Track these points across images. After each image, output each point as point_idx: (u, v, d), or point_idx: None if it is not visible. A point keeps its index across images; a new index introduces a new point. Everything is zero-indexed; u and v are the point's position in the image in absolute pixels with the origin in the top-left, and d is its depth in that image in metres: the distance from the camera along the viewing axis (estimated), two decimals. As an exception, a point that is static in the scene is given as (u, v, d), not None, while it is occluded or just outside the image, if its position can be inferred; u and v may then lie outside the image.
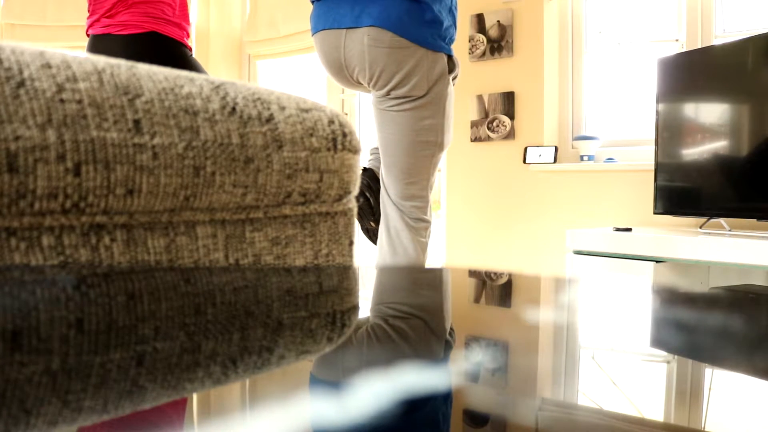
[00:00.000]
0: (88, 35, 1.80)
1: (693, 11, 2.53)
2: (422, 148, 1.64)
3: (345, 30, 1.61)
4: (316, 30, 1.69)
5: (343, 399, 0.21)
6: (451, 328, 0.34)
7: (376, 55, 1.58)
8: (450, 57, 1.66)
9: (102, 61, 0.54)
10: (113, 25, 1.73)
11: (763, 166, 1.98)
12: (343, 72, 1.68)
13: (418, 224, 1.67)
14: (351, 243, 0.71)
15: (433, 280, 0.53)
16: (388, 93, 1.61)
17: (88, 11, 1.81)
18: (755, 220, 2.03)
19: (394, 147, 1.64)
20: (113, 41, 1.70)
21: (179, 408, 0.21)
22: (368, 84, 1.65)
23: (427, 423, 0.20)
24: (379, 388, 0.21)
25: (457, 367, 0.26)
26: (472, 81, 2.93)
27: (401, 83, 1.59)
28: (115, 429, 0.19)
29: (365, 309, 0.39)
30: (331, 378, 0.25)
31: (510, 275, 0.58)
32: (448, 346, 0.30)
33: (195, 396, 0.22)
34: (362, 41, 1.58)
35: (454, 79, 1.71)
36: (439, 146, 1.66)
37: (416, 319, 0.36)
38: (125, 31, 1.72)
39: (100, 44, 1.73)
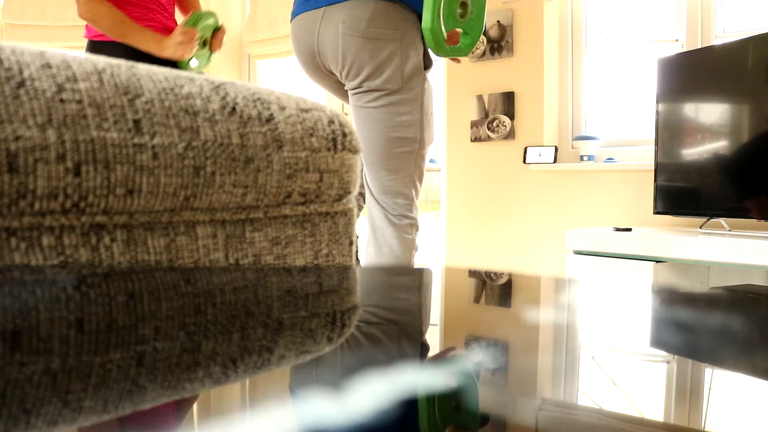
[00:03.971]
0: (88, 38, 1.80)
1: (693, 11, 2.53)
2: (401, 144, 1.62)
3: (323, 10, 1.60)
4: (294, 14, 1.67)
5: (343, 399, 0.21)
6: (451, 329, 0.34)
7: (348, 44, 1.57)
8: (426, 53, 1.66)
9: (102, 61, 0.54)
10: None
11: (763, 165, 1.98)
12: (315, 60, 1.66)
13: (402, 221, 1.66)
14: (351, 243, 0.71)
15: (416, 281, 0.53)
16: (360, 84, 1.60)
17: None
18: (755, 220, 2.03)
19: (372, 144, 1.63)
20: (112, 48, 1.71)
21: (179, 408, 0.21)
22: (340, 74, 1.63)
23: (427, 423, 0.20)
24: (378, 389, 0.21)
25: (457, 367, 0.26)
26: (472, 81, 2.93)
27: (373, 75, 1.58)
28: (115, 429, 0.19)
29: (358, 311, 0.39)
30: (331, 379, 0.25)
31: (510, 275, 0.58)
32: (447, 346, 0.30)
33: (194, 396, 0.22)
34: (336, 29, 1.57)
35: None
36: (419, 142, 1.64)
37: (415, 320, 0.36)
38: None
39: (98, 51, 1.73)
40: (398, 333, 0.32)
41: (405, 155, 1.64)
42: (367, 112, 1.63)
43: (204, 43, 1.86)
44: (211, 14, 1.85)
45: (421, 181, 1.70)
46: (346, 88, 1.67)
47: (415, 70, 1.61)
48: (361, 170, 1.77)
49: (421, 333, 0.33)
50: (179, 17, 1.95)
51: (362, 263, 1.72)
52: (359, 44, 1.56)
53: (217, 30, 1.89)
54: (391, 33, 1.58)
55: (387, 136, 1.62)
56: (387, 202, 1.66)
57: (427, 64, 1.67)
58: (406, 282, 0.51)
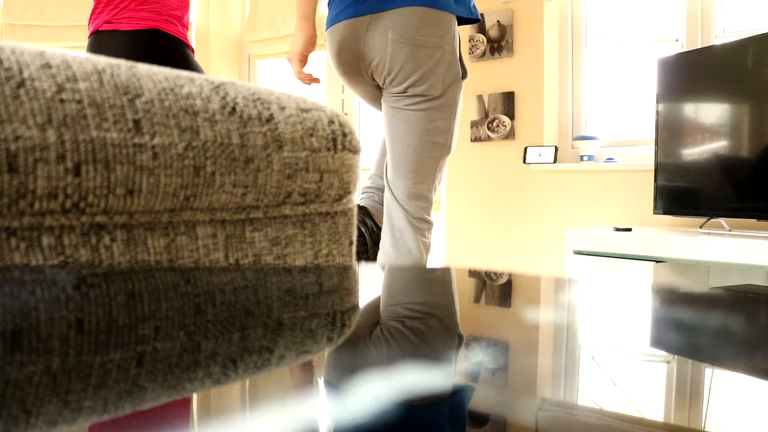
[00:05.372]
0: (91, 32, 1.80)
1: (693, 11, 2.53)
2: (432, 149, 1.65)
3: (368, 17, 1.62)
4: (335, 21, 1.68)
5: (345, 399, 0.21)
6: (451, 328, 0.34)
7: (398, 51, 1.60)
8: (462, 61, 1.70)
9: (102, 61, 0.54)
10: (117, 22, 1.74)
11: (763, 165, 1.98)
12: (358, 66, 1.68)
13: (422, 224, 1.69)
14: (351, 243, 0.71)
15: (436, 279, 0.53)
16: (405, 90, 1.63)
17: (94, 8, 1.81)
18: (755, 220, 2.03)
19: (405, 146, 1.66)
20: (117, 37, 1.71)
21: (179, 408, 0.21)
22: (384, 79, 1.65)
23: (426, 423, 0.20)
24: (379, 388, 0.21)
25: (457, 367, 0.26)
26: (472, 81, 2.92)
27: (419, 81, 1.61)
28: (115, 429, 0.19)
29: (366, 308, 0.39)
30: (332, 378, 0.25)
31: (510, 275, 0.58)
32: (447, 346, 0.30)
33: (195, 396, 0.22)
34: (385, 35, 1.60)
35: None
36: (447, 149, 1.68)
37: (414, 320, 0.36)
38: (128, 27, 1.73)
39: (103, 40, 1.74)
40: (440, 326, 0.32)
41: (434, 160, 1.67)
42: (405, 114, 1.65)
43: None
44: None
45: (439, 185, 1.74)
46: (386, 92, 1.69)
47: (455, 78, 1.66)
48: (381, 175, 1.79)
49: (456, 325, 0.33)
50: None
51: (380, 264, 1.73)
52: (408, 51, 1.60)
53: None
54: (437, 41, 1.61)
55: (422, 139, 1.65)
56: (410, 204, 1.68)
57: (463, 73, 1.70)
58: (439, 278, 0.51)
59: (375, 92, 1.76)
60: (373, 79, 1.70)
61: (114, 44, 1.69)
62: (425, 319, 0.36)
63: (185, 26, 1.89)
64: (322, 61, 3.63)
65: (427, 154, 1.65)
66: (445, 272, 0.58)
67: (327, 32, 1.73)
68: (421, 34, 1.59)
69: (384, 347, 0.29)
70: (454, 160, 3.00)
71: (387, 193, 1.73)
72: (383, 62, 1.62)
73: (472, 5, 1.71)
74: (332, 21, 1.70)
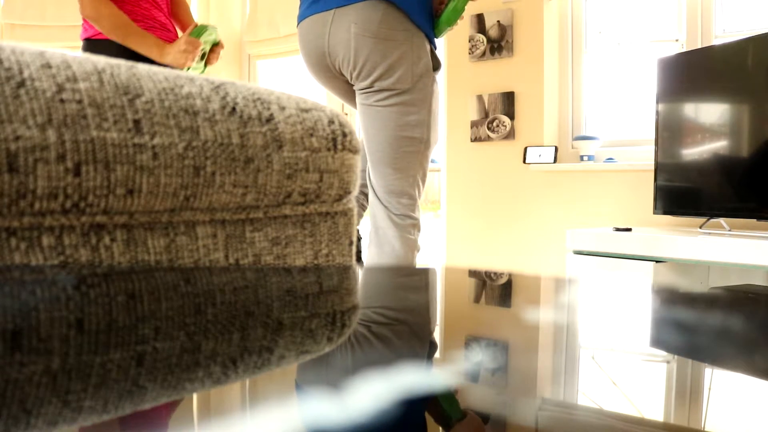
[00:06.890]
0: (83, 38, 1.80)
1: (693, 11, 2.53)
2: (408, 144, 1.62)
3: (333, 11, 1.60)
4: (303, 17, 1.67)
5: (343, 400, 0.21)
6: (451, 329, 0.34)
7: (361, 44, 1.57)
8: (434, 53, 1.66)
9: (102, 61, 0.54)
10: None
11: (763, 166, 1.98)
12: (325, 61, 1.66)
13: (405, 221, 1.65)
14: (351, 243, 0.71)
15: (422, 280, 0.53)
16: (372, 84, 1.60)
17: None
18: (755, 220, 2.03)
19: (379, 142, 1.63)
20: (110, 45, 1.71)
21: (179, 408, 0.21)
22: (351, 74, 1.63)
23: (427, 423, 0.20)
24: (378, 389, 0.21)
25: (458, 367, 0.26)
26: (472, 81, 2.93)
27: (385, 74, 1.58)
28: (115, 429, 0.19)
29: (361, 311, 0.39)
30: (330, 379, 0.25)
31: (510, 275, 0.58)
32: (447, 346, 0.30)
33: (195, 396, 0.22)
34: (348, 29, 1.57)
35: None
36: (425, 143, 1.65)
37: (416, 320, 0.36)
38: None
39: (96, 48, 1.73)
40: (408, 333, 0.32)
41: (411, 155, 1.64)
42: (375, 110, 1.63)
43: (202, 56, 1.86)
44: (214, 28, 1.85)
45: (424, 181, 1.70)
46: (355, 88, 1.67)
47: (425, 70, 1.63)
48: (365, 170, 1.77)
49: (429, 333, 0.33)
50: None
51: (365, 263, 1.72)
52: (372, 44, 1.57)
53: (216, 45, 1.88)
54: (402, 34, 1.59)
55: (395, 135, 1.62)
56: (391, 201, 1.65)
57: (436, 65, 1.67)
58: (413, 282, 0.51)
59: (347, 89, 1.73)
60: (343, 75, 1.68)
61: (107, 53, 1.69)
62: (410, 321, 0.36)
63: (175, 33, 1.90)
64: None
65: (403, 150, 1.62)
66: (429, 271, 0.58)
67: (297, 29, 1.72)
68: (385, 27, 1.56)
69: (372, 350, 0.29)
70: (454, 160, 3.00)
71: (370, 193, 1.71)
72: (348, 57, 1.60)
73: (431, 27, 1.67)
74: (300, 17, 1.69)
